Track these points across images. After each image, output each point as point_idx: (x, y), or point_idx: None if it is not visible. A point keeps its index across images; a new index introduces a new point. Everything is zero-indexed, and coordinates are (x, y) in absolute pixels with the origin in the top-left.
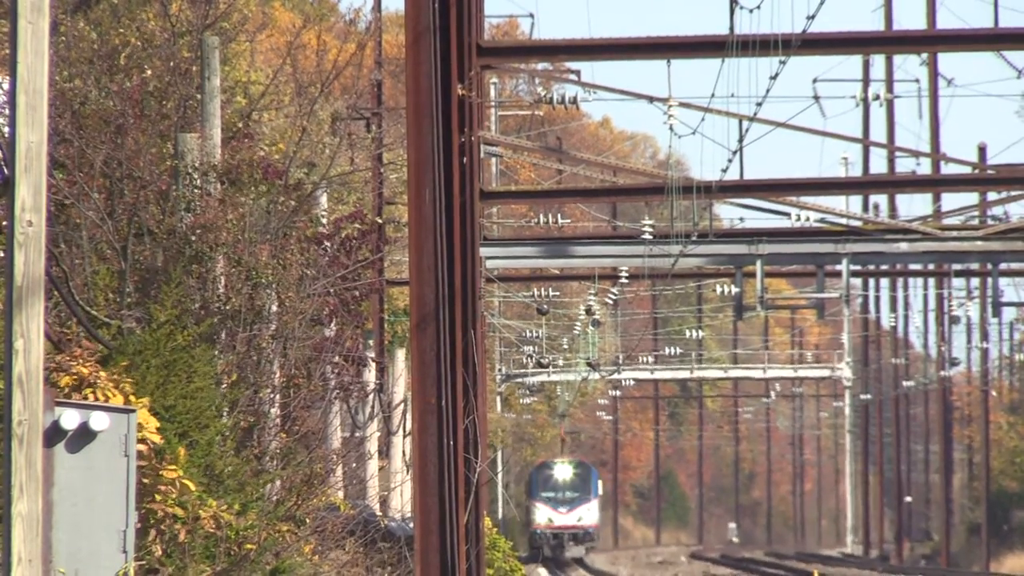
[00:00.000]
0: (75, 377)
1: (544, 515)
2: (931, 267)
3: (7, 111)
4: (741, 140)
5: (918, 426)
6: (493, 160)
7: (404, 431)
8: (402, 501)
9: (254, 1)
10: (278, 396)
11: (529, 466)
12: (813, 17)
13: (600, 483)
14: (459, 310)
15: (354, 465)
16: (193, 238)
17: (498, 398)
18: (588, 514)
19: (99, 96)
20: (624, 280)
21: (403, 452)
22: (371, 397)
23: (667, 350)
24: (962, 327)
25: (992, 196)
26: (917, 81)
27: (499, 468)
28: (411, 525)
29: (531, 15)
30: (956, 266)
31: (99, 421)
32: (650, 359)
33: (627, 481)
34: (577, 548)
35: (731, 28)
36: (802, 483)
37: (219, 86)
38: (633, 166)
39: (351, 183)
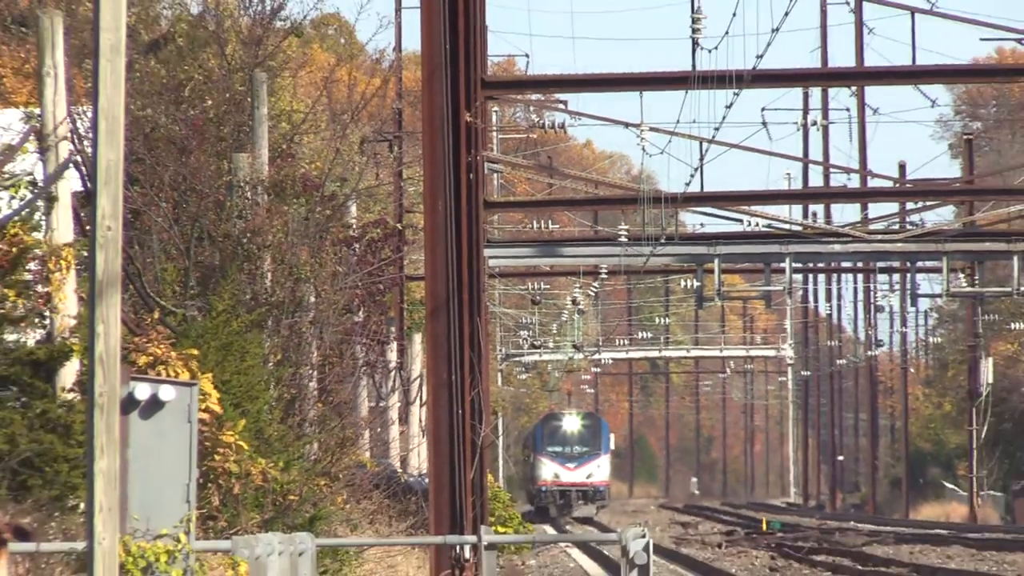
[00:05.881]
0: (151, 356)
1: (550, 471)
2: (860, 265)
3: (91, 135)
4: (702, 159)
5: (849, 397)
6: (495, 175)
7: (420, 402)
8: (419, 460)
9: (296, 43)
10: (315, 372)
11: (525, 431)
12: (761, 56)
13: (612, 437)
14: (466, 301)
15: (379, 430)
16: (245, 241)
17: (499, 374)
18: (598, 471)
19: (167, 122)
20: (604, 276)
21: (419, 419)
22: (393, 373)
23: (639, 334)
24: (885, 315)
25: (910, 206)
26: (848, 110)
27: (500, 433)
28: (426, 480)
29: (527, 55)
30: (880, 264)
31: (167, 393)
32: (625, 341)
33: None
34: (586, 507)
35: (693, 65)
36: (752, 445)
37: (266, 114)
38: (611, 180)
39: (376, 195)
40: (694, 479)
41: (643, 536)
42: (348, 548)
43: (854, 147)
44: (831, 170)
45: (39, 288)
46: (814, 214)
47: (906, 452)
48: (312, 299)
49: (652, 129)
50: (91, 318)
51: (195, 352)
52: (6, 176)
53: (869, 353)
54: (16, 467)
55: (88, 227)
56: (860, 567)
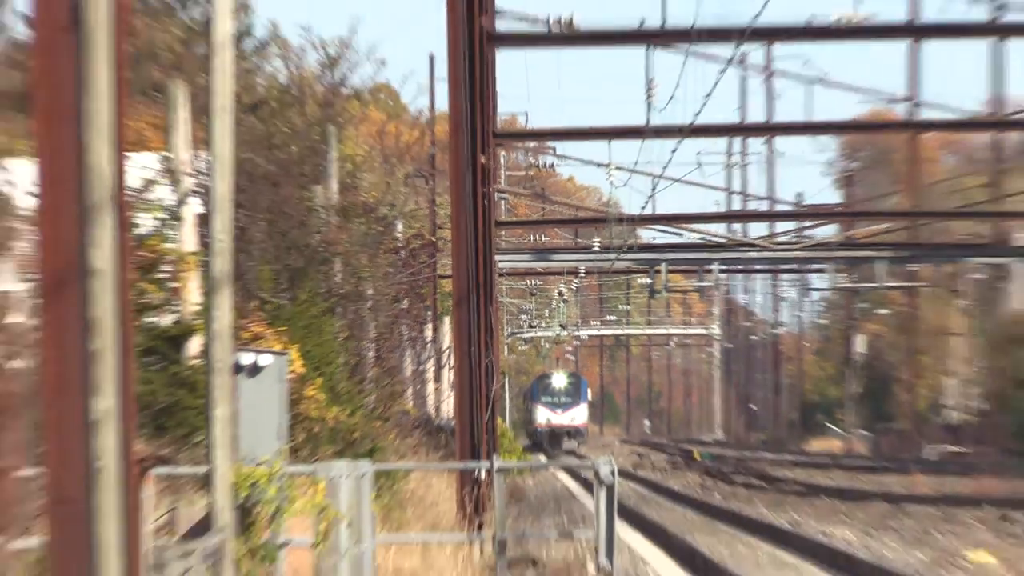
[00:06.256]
0: (253, 333)
1: (544, 416)
2: (768, 267)
3: (208, 172)
4: (654, 190)
5: (759, 363)
6: (502, 202)
7: (448, 366)
8: (447, 408)
9: (357, 105)
10: (373, 345)
11: (524, 387)
12: (698, 114)
13: (589, 390)
14: (482, 293)
15: (418, 387)
16: (321, 249)
17: (505, 346)
18: (579, 415)
19: (263, 163)
20: (582, 275)
21: (448, 379)
22: (428, 346)
23: (608, 317)
24: (786, 303)
25: (806, 224)
26: (760, 153)
27: (506, 388)
28: (453, 422)
29: (526, 113)
30: (783, 266)
31: (265, 360)
32: (597, 322)
33: None
34: (570, 442)
35: (647, 120)
36: (689, 397)
37: (336, 157)
38: (587, 206)
39: (416, 215)
40: (647, 422)
41: (609, 463)
42: (397, 471)
43: (764, 181)
44: (748, 197)
45: (171, 284)
46: (735, 230)
47: (800, 403)
48: (370, 292)
49: (617, 168)
50: (209, 306)
51: (285, 330)
52: (146, 203)
53: (774, 331)
54: (157, 413)
55: (206, 240)
56: (766, 484)
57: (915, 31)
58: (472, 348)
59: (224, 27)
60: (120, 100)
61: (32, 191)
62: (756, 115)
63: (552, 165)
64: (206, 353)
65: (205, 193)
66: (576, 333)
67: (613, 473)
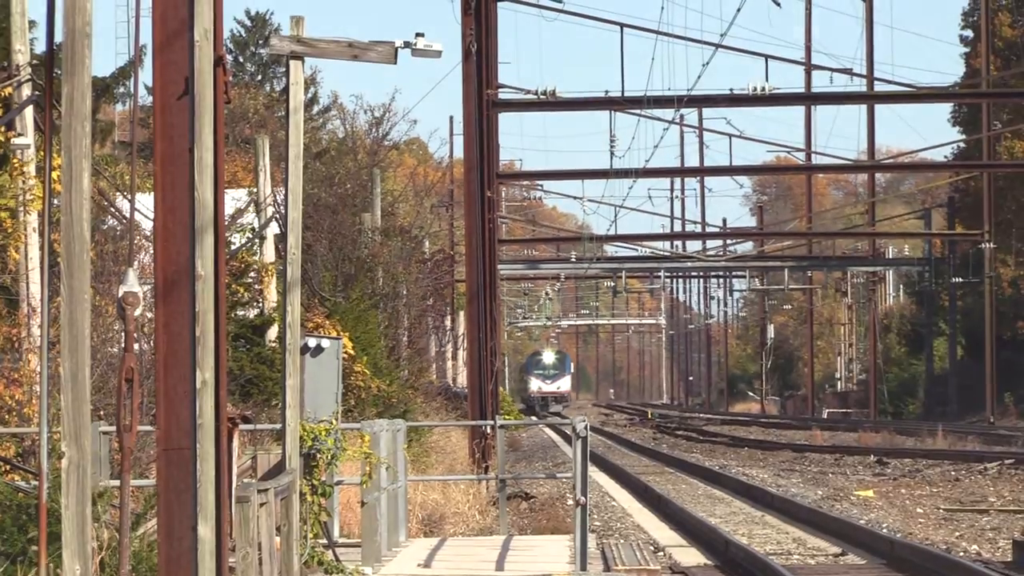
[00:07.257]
0: (315, 323)
1: (536, 385)
2: (701, 274)
3: (283, 203)
4: (615, 216)
5: (695, 346)
6: (503, 225)
7: (463, 348)
8: (462, 380)
9: (395, 154)
10: (407, 332)
11: (520, 363)
12: (648, 160)
13: (572, 364)
14: (488, 293)
15: (440, 362)
16: (368, 260)
17: (505, 333)
18: (564, 384)
19: (325, 196)
20: (563, 279)
21: (462, 357)
22: (448, 331)
23: (582, 311)
24: (715, 300)
25: (729, 241)
26: (695, 189)
27: (505, 365)
28: (466, 390)
29: (520, 159)
30: (713, 273)
31: (325, 343)
32: (574, 315)
33: None
34: (556, 406)
35: (611, 165)
36: (643, 371)
37: (379, 191)
38: (567, 228)
39: (439, 235)
40: (611, 390)
41: (584, 421)
42: (424, 427)
43: (698, 209)
44: (686, 222)
45: (256, 286)
46: (677, 246)
47: (726, 374)
48: (404, 292)
49: (589, 200)
50: (284, 302)
51: (339, 320)
52: (238, 226)
53: (706, 322)
54: (243, 383)
55: (282, 252)
56: (701, 437)
57: (809, 98)
58: (480, 334)
59: (297, 95)
60: (219, 149)
61: (153, 216)
62: (691, 160)
63: (540, 197)
64: (281, 338)
65: (281, 218)
66: (558, 323)
67: (586, 428)
